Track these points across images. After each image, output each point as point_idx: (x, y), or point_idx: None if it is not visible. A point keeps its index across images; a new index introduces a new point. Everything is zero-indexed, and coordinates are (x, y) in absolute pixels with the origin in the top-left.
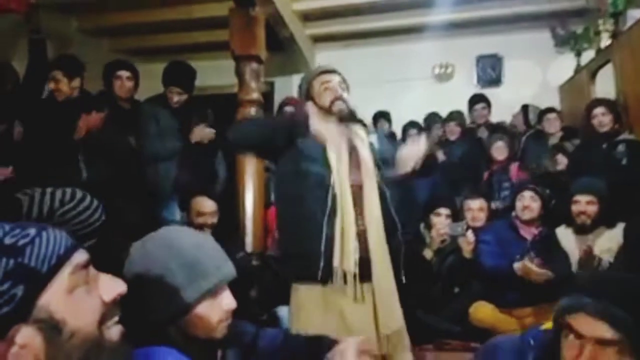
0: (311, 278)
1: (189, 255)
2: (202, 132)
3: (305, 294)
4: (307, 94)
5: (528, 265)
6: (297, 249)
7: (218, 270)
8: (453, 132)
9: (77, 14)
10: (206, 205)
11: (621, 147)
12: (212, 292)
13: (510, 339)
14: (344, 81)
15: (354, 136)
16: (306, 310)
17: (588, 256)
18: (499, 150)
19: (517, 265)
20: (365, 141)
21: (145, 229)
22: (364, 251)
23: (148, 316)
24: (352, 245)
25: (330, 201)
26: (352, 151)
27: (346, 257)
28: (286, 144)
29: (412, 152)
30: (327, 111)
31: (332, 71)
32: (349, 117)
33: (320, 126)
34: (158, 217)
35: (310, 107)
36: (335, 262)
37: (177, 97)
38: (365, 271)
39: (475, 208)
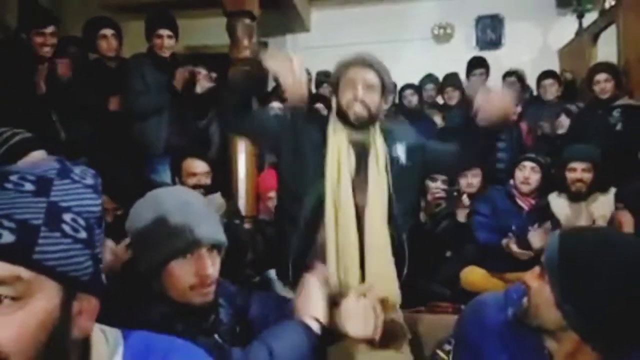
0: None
1: (168, 212)
2: (184, 74)
3: None
4: (335, 86)
5: (510, 246)
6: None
7: (192, 232)
8: (452, 97)
9: None
10: (197, 165)
11: (616, 113)
12: (182, 252)
13: (495, 294)
14: (382, 76)
15: (370, 148)
16: None
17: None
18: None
19: (505, 242)
20: (381, 157)
21: (133, 191)
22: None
23: (135, 268)
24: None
25: (309, 219)
26: (362, 169)
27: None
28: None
29: (500, 99)
30: (341, 112)
31: (367, 64)
32: (367, 124)
33: (333, 134)
34: (146, 179)
35: (335, 101)
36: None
37: (167, 42)
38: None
39: (469, 174)
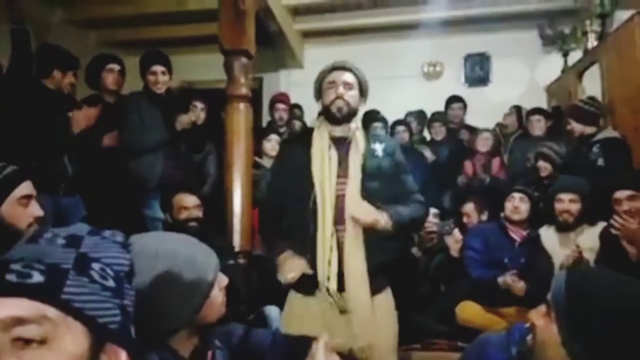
0: (303, 290)
1: (187, 253)
2: (187, 118)
3: (299, 304)
4: (319, 92)
5: (509, 282)
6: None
7: (212, 258)
8: (438, 132)
9: (62, 4)
10: (188, 199)
11: (595, 149)
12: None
13: (498, 334)
14: (358, 77)
15: (352, 141)
16: (300, 319)
17: (577, 261)
18: (484, 141)
19: (500, 280)
20: (360, 149)
21: (128, 226)
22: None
23: (166, 322)
24: (327, 258)
25: (311, 215)
26: (343, 160)
27: (325, 270)
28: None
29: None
30: (328, 110)
31: (343, 68)
32: (347, 118)
33: (317, 135)
34: (140, 214)
35: (320, 105)
36: (319, 275)
37: (161, 77)
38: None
39: (464, 212)
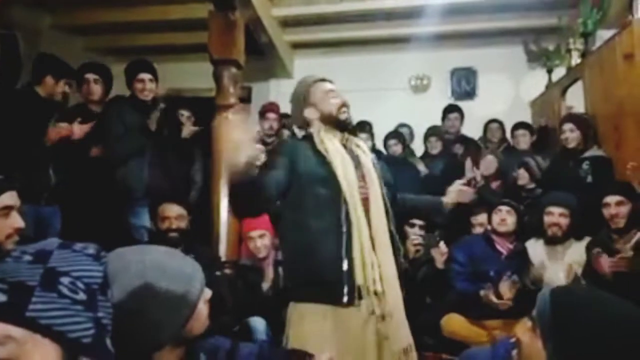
0: (329, 300)
1: (172, 267)
2: (156, 115)
3: (315, 315)
4: (304, 99)
5: (489, 297)
6: (312, 273)
7: (197, 270)
8: (434, 146)
9: (50, 11)
10: (171, 209)
11: (585, 165)
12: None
13: (483, 350)
14: None
15: (356, 147)
16: (316, 330)
17: (570, 274)
18: (488, 164)
19: (482, 294)
20: (367, 153)
21: (114, 236)
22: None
23: (151, 338)
24: (370, 261)
25: (344, 220)
26: (357, 164)
27: (368, 274)
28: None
29: (464, 192)
30: (330, 118)
31: (330, 81)
32: (353, 127)
33: (325, 139)
34: (126, 223)
35: (311, 113)
36: (359, 280)
37: (148, 85)
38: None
39: (477, 223)
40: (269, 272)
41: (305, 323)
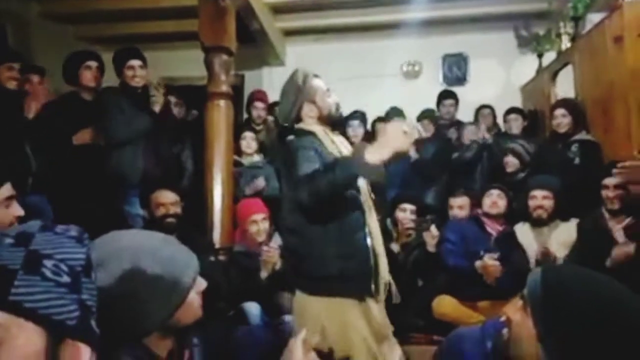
0: (361, 293)
1: (166, 254)
2: (159, 98)
3: (343, 308)
4: (304, 95)
5: (487, 261)
6: (342, 268)
7: (191, 259)
8: (427, 130)
9: None
10: (166, 196)
11: (574, 147)
12: (180, 304)
13: (473, 329)
14: None
15: (339, 142)
16: (346, 322)
17: (545, 257)
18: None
19: (478, 264)
20: (349, 147)
21: (109, 223)
22: None
23: (140, 324)
24: (381, 251)
25: (366, 219)
26: None
27: (384, 265)
28: None
29: (397, 135)
30: (327, 116)
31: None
32: (340, 125)
33: (334, 138)
34: (121, 211)
35: (311, 110)
36: (383, 272)
37: (139, 71)
38: None
39: (456, 205)
40: (273, 257)
41: (341, 316)
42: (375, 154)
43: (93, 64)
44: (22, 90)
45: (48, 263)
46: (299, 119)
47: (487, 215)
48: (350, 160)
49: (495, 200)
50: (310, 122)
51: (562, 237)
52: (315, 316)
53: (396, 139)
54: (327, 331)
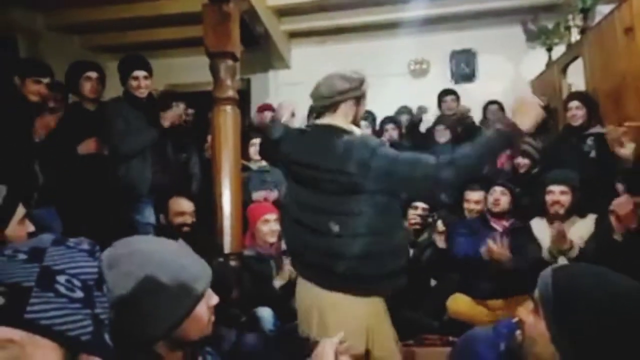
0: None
1: (174, 264)
2: (172, 113)
3: (378, 308)
4: (358, 96)
5: (491, 245)
6: (389, 269)
7: (204, 271)
8: (443, 135)
9: (43, 11)
10: (184, 205)
11: (590, 141)
12: (190, 312)
13: (485, 330)
14: None
15: None
16: (374, 321)
17: (559, 235)
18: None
19: (483, 249)
20: None
21: (119, 233)
22: None
23: (143, 332)
24: None
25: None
26: None
27: None
28: None
29: (535, 106)
30: (354, 121)
31: None
32: None
33: None
34: (131, 220)
35: (358, 112)
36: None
37: (143, 82)
38: None
39: (473, 200)
40: (284, 266)
41: (381, 315)
42: (524, 123)
43: (93, 74)
44: (43, 105)
45: (61, 279)
46: (332, 108)
47: (490, 212)
48: (507, 131)
49: (498, 198)
50: (340, 120)
51: (579, 232)
52: (360, 317)
53: (535, 109)
54: (371, 332)
